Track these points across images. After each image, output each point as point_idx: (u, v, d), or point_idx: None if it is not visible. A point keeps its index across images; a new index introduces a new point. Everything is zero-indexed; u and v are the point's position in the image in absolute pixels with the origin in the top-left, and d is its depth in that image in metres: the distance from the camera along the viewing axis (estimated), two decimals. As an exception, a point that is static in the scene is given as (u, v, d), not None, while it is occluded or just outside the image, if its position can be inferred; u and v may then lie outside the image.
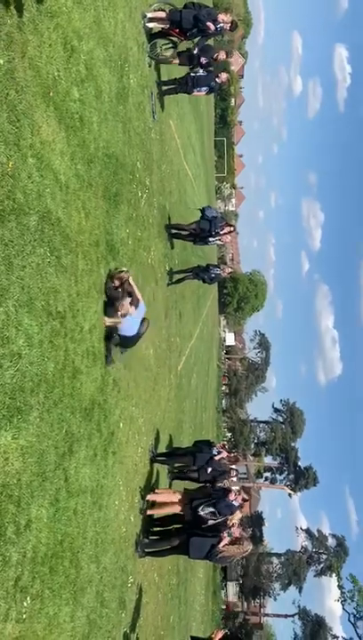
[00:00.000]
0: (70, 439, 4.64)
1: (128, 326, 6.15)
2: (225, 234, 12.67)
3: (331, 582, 55.17)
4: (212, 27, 9.21)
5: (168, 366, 11.70)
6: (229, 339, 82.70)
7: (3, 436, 3.36)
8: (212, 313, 43.98)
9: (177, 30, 9.30)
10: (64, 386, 4.51)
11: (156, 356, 9.88)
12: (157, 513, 7.96)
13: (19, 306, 3.62)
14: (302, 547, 58.85)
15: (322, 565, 57.18)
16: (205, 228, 12.05)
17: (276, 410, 75.57)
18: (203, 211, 12.24)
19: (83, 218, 5.18)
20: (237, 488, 7.99)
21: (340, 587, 46.66)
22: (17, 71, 3.72)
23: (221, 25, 9.31)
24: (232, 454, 9.33)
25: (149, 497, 7.80)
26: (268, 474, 72.92)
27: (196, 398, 19.79)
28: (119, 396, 6.61)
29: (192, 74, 10.01)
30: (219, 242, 13.22)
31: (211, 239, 12.75)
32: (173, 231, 12.00)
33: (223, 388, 70.58)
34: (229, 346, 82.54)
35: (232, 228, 13.15)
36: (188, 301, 17.68)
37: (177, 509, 7.74)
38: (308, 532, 59.87)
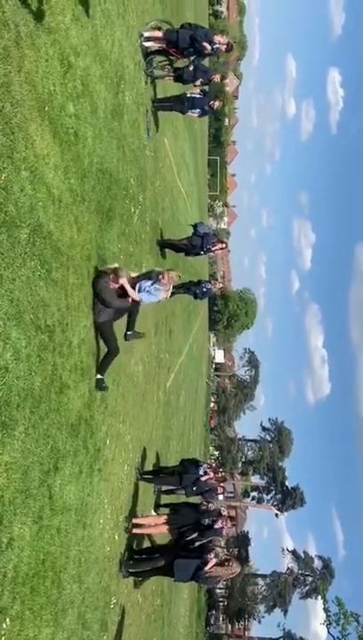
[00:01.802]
0: (56, 455, 4.56)
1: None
2: (217, 249, 12.76)
3: (316, 605, 54.64)
4: (208, 47, 9.33)
5: (157, 383, 11.63)
6: (219, 356, 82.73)
7: (-14, 451, 3.29)
8: (202, 330, 44.00)
9: (174, 49, 9.42)
10: (51, 401, 4.45)
11: (144, 373, 9.81)
12: (143, 532, 7.84)
13: (7, 319, 3.57)
14: (288, 568, 58.32)
15: (308, 588, 56.65)
16: (197, 244, 12.09)
17: (264, 428, 75.37)
18: (195, 227, 12.29)
19: (75, 232, 5.16)
20: (225, 513, 7.82)
21: (325, 610, 46.07)
22: (13, 85, 3.72)
23: (217, 46, 9.44)
24: (219, 474, 9.23)
25: (135, 521, 7.69)
26: (255, 493, 72.45)
27: (184, 416, 19.67)
28: (106, 412, 6.53)
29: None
30: (211, 254, 13.35)
31: (202, 254, 12.84)
32: (166, 245, 12.04)
33: (212, 405, 70.36)
34: (218, 363, 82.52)
35: (224, 245, 13.24)
36: (178, 318, 17.66)
37: (163, 530, 7.62)
38: (294, 553, 59.40)
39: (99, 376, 6.03)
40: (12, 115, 3.69)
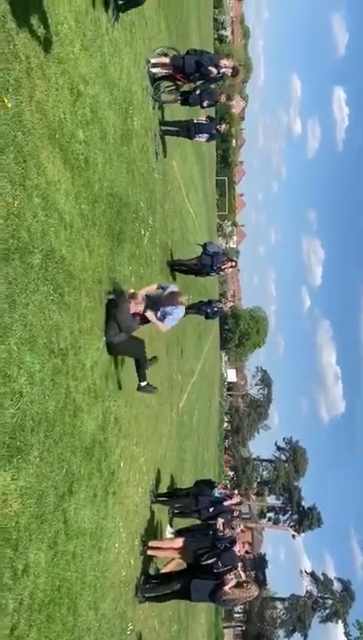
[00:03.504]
0: (70, 479, 4.55)
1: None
2: (227, 268, 12.84)
3: (337, 629, 53.35)
4: (214, 71, 9.50)
5: (170, 403, 11.60)
6: (231, 375, 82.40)
7: (2, 476, 3.29)
8: (213, 349, 43.92)
9: (180, 75, 9.60)
10: (65, 424, 4.45)
11: (157, 394, 9.79)
12: (158, 555, 7.75)
13: (21, 344, 3.60)
14: (307, 591, 57.22)
15: (328, 611, 55.41)
16: (207, 264, 12.17)
17: (279, 448, 74.59)
18: (204, 246, 12.38)
19: (86, 256, 5.22)
20: (241, 530, 7.79)
21: (346, 634, 44.96)
22: (24, 114, 3.81)
23: (224, 70, 9.60)
24: (235, 496, 9.10)
25: (152, 544, 7.61)
26: (271, 514, 71.42)
27: (197, 436, 19.55)
28: (120, 435, 6.52)
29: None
30: (221, 273, 13.41)
31: (212, 274, 12.92)
32: (176, 267, 12.12)
33: (225, 425, 69.85)
34: (230, 382, 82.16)
35: (234, 263, 13.32)
36: (189, 338, 17.67)
37: (177, 556, 7.52)
38: (313, 575, 58.28)
39: (142, 383, 6.19)
40: (24, 143, 3.77)
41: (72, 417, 4.64)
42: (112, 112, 6.58)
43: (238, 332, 71.14)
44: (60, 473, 4.30)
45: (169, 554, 7.65)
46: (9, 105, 3.55)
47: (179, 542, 7.52)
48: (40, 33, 4.18)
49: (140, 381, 6.20)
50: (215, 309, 14.73)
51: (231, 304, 22.80)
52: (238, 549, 7.25)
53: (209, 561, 7.05)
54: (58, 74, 4.56)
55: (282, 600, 57.81)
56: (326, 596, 56.68)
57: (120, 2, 6.80)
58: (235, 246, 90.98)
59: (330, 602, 56.02)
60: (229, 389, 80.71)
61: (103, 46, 6.23)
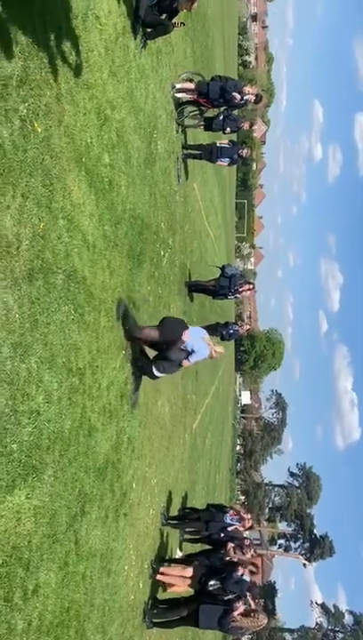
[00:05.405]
0: (83, 499, 4.54)
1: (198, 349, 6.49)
2: (244, 291, 12.86)
3: (347, 664, 51.77)
4: (238, 97, 9.66)
5: (183, 425, 11.54)
6: (245, 397, 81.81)
7: (17, 495, 3.30)
8: (228, 370, 43.72)
9: (204, 100, 9.77)
10: (79, 444, 4.46)
11: (171, 414, 9.76)
12: (166, 581, 7.64)
13: (40, 362, 3.64)
14: (317, 623, 55.80)
15: (338, 645, 53.87)
16: (225, 285, 12.22)
17: (292, 474, 73.54)
18: (223, 268, 12.44)
19: (107, 276, 5.28)
20: (251, 555, 7.65)
21: (357, 669, 43.68)
22: (53, 138, 3.90)
23: (247, 97, 9.75)
24: (247, 520, 8.96)
25: (163, 570, 7.52)
26: (282, 541, 70.10)
27: (210, 459, 19.37)
28: (133, 455, 6.50)
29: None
30: (238, 296, 13.41)
31: (230, 296, 12.95)
32: (194, 289, 12.18)
33: (238, 448, 69.13)
34: (244, 404, 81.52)
35: (252, 286, 13.35)
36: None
37: (186, 585, 7.41)
38: (323, 606, 56.87)
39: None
40: (52, 166, 3.86)
41: (87, 436, 4.65)
42: (137, 136, 6.71)
43: (254, 353, 70.82)
44: (73, 493, 4.30)
45: (178, 582, 7.53)
46: (39, 130, 3.65)
47: (189, 571, 7.42)
48: (71, 60, 4.31)
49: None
50: (231, 331, 14.71)
51: (248, 327, 22.74)
52: (241, 572, 7.11)
53: (211, 582, 6.94)
54: (86, 99, 4.68)
55: (291, 631, 56.42)
56: (337, 629, 55.22)
57: (148, 30, 6.97)
58: (252, 268, 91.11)
59: (341, 635, 54.53)
60: (242, 412, 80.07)
61: (130, 72, 6.38)
